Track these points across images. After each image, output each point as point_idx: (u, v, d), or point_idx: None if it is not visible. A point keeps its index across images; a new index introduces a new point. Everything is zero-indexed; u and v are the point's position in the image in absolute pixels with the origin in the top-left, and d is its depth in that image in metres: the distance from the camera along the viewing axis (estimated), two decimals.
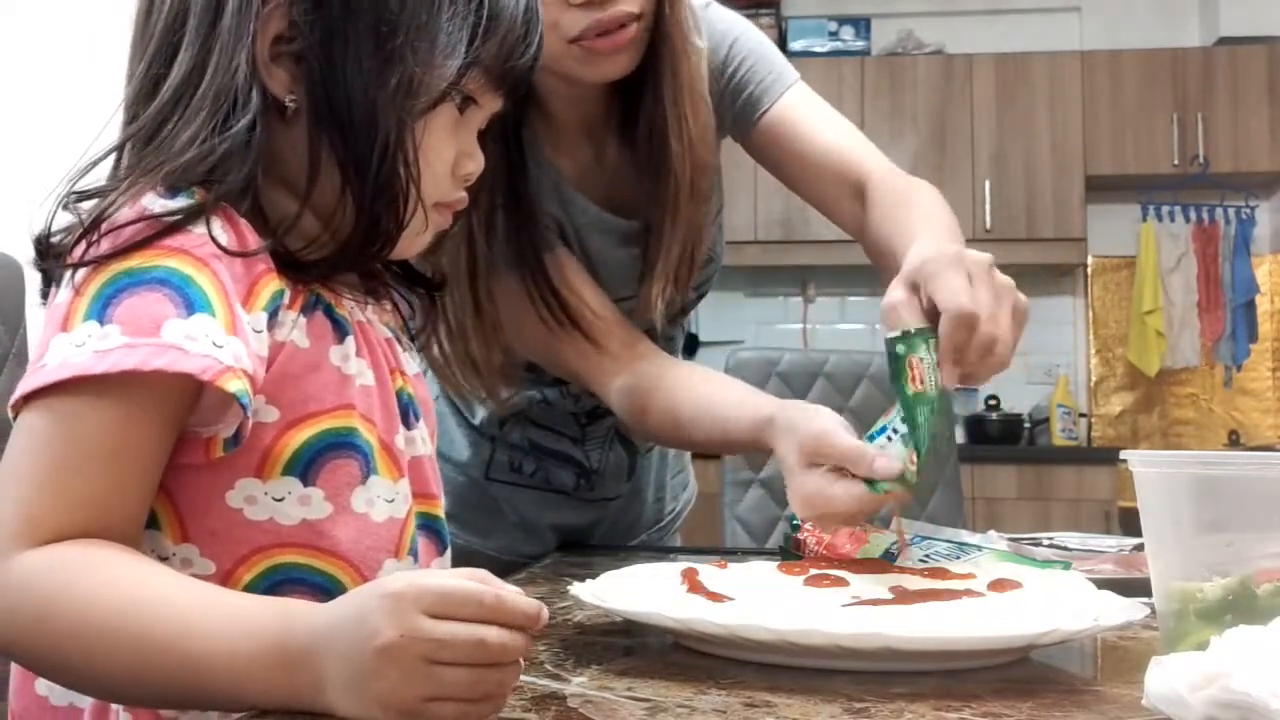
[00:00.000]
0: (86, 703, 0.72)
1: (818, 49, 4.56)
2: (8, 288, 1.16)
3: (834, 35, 4.59)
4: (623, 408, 1.19)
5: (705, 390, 1.15)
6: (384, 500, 0.78)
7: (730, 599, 0.78)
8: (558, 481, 1.40)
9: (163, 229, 0.69)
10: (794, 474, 0.97)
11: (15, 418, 0.67)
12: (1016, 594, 0.80)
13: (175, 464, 0.71)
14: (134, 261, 0.68)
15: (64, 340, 0.66)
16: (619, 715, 0.60)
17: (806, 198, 1.27)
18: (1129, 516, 3.26)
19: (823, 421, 0.97)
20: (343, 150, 0.75)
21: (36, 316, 1.16)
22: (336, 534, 0.75)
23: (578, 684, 0.67)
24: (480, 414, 1.38)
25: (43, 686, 0.74)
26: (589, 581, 0.83)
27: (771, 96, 1.23)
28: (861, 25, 4.62)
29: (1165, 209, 4.53)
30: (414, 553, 0.82)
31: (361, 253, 0.78)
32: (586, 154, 1.24)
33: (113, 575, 0.62)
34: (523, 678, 0.65)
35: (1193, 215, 4.54)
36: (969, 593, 0.80)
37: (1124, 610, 0.76)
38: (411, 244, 0.82)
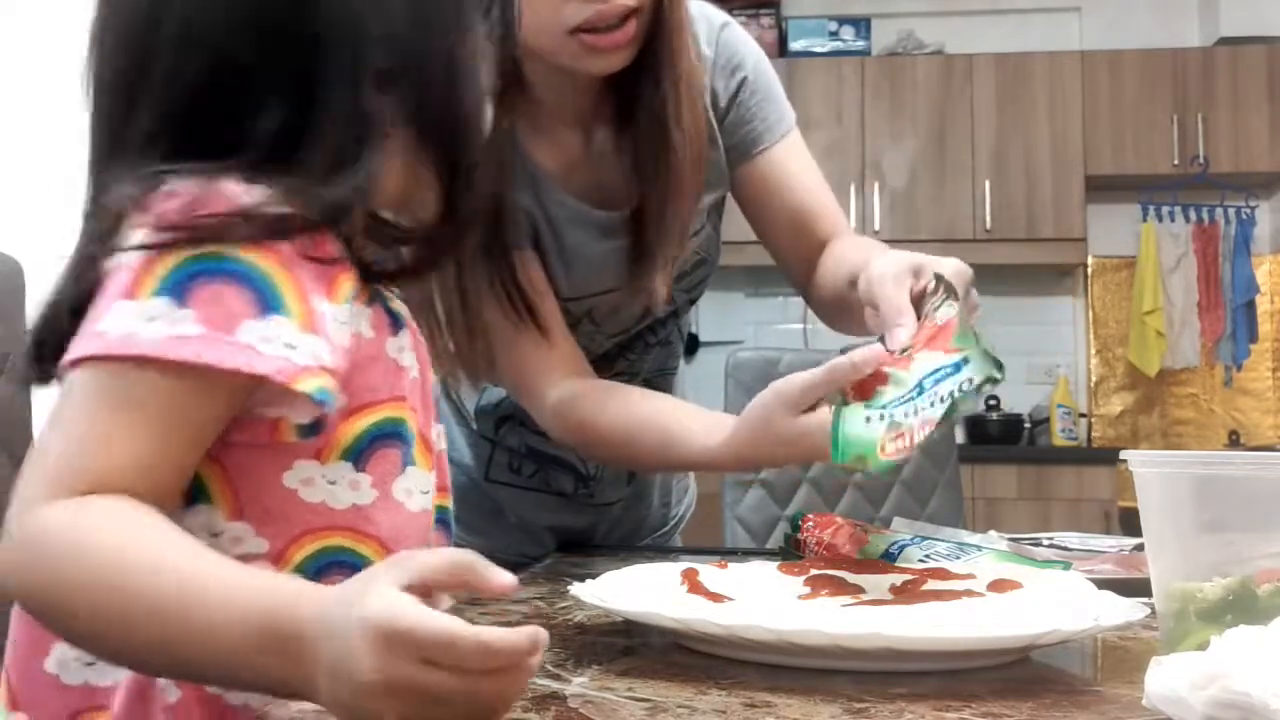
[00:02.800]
0: (105, 681, 0.71)
1: (818, 49, 4.55)
2: (8, 288, 1.16)
3: (834, 35, 4.60)
4: (558, 418, 1.18)
5: (653, 414, 1.14)
6: (420, 491, 0.78)
7: (730, 599, 0.78)
8: (557, 485, 1.40)
9: (256, 228, 0.68)
10: (800, 429, 0.96)
11: (64, 376, 0.66)
12: (1016, 594, 0.80)
13: (234, 441, 0.70)
14: (217, 247, 0.67)
15: (130, 310, 0.65)
16: (619, 715, 0.60)
17: (769, 240, 1.31)
18: (1129, 516, 3.26)
19: (776, 383, 0.99)
20: (438, 156, 0.76)
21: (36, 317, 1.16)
22: (379, 520, 0.75)
23: (578, 684, 0.67)
24: (477, 418, 1.38)
25: (53, 664, 0.72)
26: (589, 581, 0.84)
27: (771, 138, 1.27)
28: (861, 25, 4.62)
29: (1165, 209, 4.53)
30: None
31: (448, 249, 0.79)
32: (574, 144, 1.24)
33: (138, 535, 0.61)
34: None
35: (1193, 215, 4.54)
36: (969, 593, 0.80)
37: (1124, 610, 0.76)
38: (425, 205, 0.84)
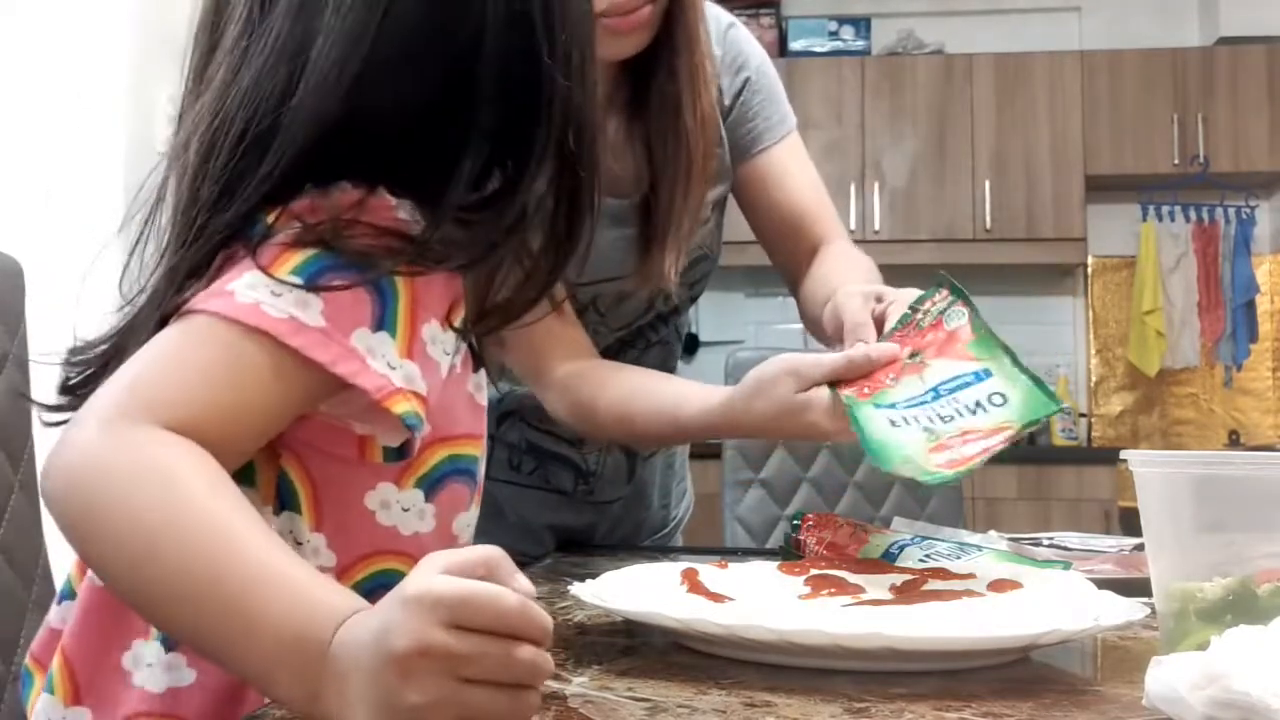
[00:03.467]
0: (156, 688, 0.70)
1: (818, 49, 4.55)
2: (8, 288, 1.16)
3: (834, 35, 4.59)
4: (561, 396, 1.18)
5: (655, 384, 1.16)
6: (468, 526, 0.79)
7: (731, 599, 0.78)
8: (557, 482, 1.40)
9: (399, 248, 0.69)
10: (801, 402, 0.96)
11: (169, 320, 0.66)
12: (1016, 594, 0.80)
13: (326, 451, 0.71)
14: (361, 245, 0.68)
15: (264, 281, 0.65)
16: (619, 715, 0.60)
17: (765, 240, 1.33)
18: (1129, 516, 3.26)
19: (790, 356, 0.99)
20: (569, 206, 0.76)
21: (37, 317, 1.16)
22: (433, 549, 0.75)
23: (578, 684, 0.67)
24: None
25: (129, 660, 0.72)
26: (589, 581, 0.84)
27: (773, 137, 1.29)
28: (861, 25, 4.62)
29: (1165, 209, 4.53)
30: None
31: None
32: None
33: (222, 498, 0.60)
34: None
35: (1193, 215, 4.54)
36: (969, 593, 0.80)
37: (1124, 610, 0.76)
38: None
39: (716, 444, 2.56)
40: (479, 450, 0.78)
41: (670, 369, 1.41)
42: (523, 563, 1.30)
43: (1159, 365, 4.45)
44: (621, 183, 1.24)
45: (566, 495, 1.41)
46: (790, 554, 1.12)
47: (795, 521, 1.16)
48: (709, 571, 0.86)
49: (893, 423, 0.88)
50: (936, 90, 4.40)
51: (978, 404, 0.87)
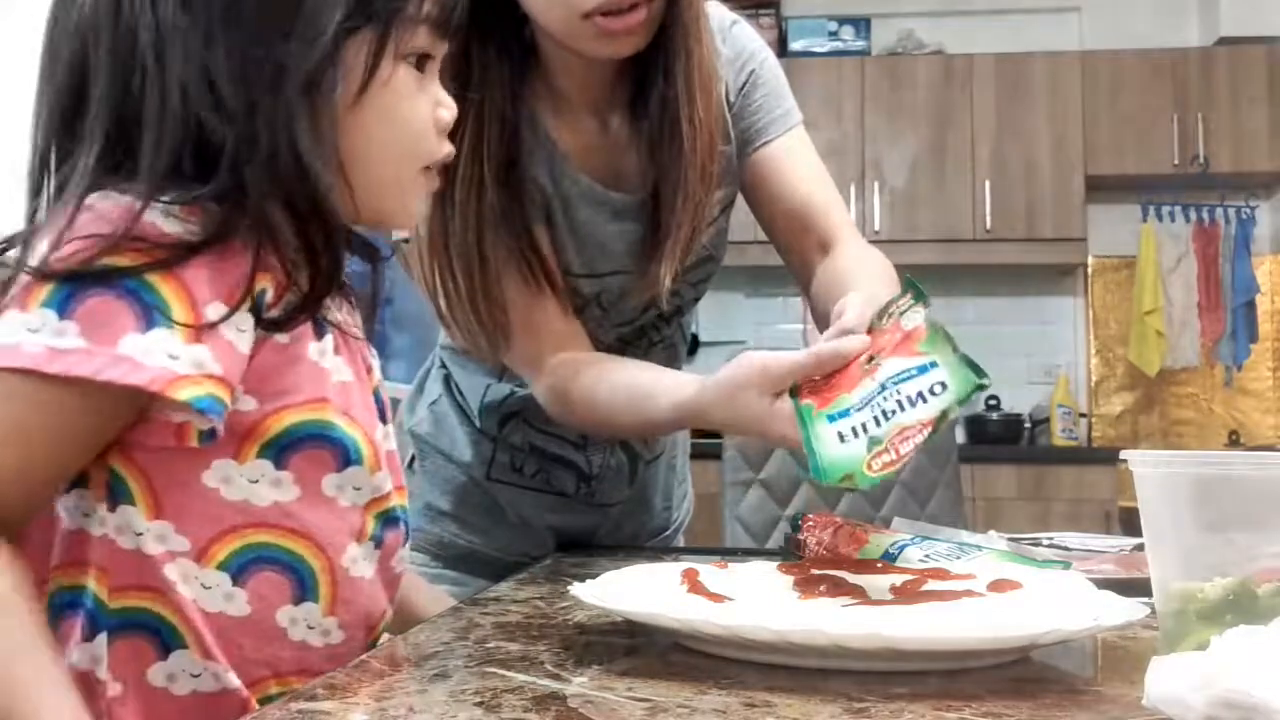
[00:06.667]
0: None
1: (818, 49, 4.56)
2: None
3: (834, 35, 4.60)
4: (551, 390, 1.19)
5: (628, 373, 1.15)
6: (353, 488, 0.80)
7: (731, 599, 0.78)
8: (559, 484, 1.40)
9: (155, 252, 0.70)
10: (768, 412, 0.95)
11: None
12: (1016, 594, 0.80)
13: (148, 446, 0.73)
14: (104, 260, 0.69)
15: (18, 320, 0.68)
16: (619, 715, 0.60)
17: (773, 235, 1.32)
18: (1129, 516, 3.26)
19: (759, 356, 0.96)
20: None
21: None
22: (305, 516, 0.78)
23: (578, 684, 0.67)
24: (481, 415, 1.39)
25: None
26: (589, 581, 0.83)
27: (776, 130, 1.28)
28: (861, 25, 4.62)
29: (1165, 209, 4.54)
30: (377, 540, 0.84)
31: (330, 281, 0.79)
32: (590, 128, 1.25)
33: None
34: (522, 677, 0.65)
35: (1193, 215, 4.54)
36: (969, 593, 0.80)
37: (1124, 610, 0.76)
38: (407, 214, 0.85)
39: (716, 444, 2.56)
40: (328, 413, 0.79)
41: (675, 369, 1.41)
42: (523, 563, 1.31)
43: (1159, 365, 4.45)
44: (625, 179, 1.25)
45: (568, 497, 1.41)
46: (790, 554, 1.12)
47: (795, 521, 1.16)
48: (709, 572, 0.86)
49: (841, 436, 0.89)
50: (936, 91, 4.40)
51: (919, 395, 0.88)
